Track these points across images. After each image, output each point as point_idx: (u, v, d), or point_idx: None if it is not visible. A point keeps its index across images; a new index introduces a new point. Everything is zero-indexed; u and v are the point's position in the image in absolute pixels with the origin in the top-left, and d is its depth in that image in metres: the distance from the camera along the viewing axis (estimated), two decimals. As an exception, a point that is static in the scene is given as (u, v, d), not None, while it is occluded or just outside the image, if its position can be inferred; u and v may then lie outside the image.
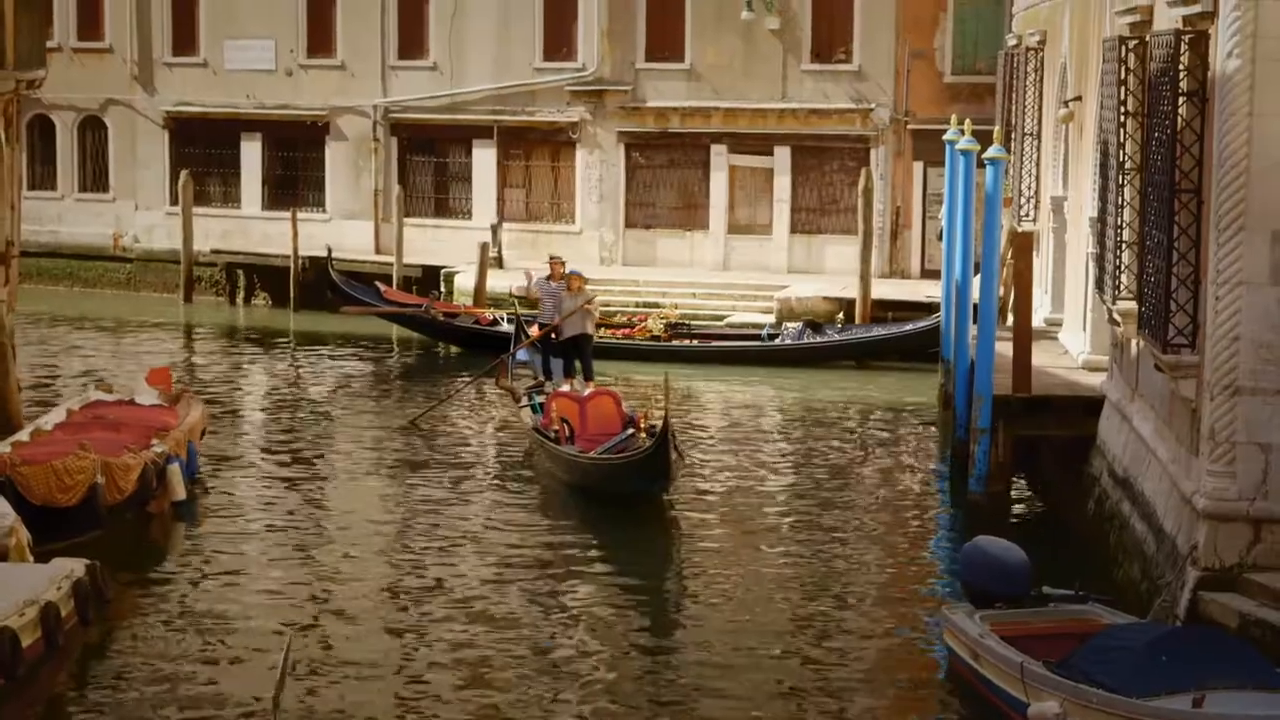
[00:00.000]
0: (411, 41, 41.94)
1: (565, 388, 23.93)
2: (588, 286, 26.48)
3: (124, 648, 15.49)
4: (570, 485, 21.59)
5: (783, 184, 39.32)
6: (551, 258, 27.64)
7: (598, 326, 27.64)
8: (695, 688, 14.76)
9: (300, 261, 40.15)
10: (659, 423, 19.97)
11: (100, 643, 15.58)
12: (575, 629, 16.35)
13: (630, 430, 21.20)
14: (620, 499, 20.51)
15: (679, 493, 21.17)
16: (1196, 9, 14.30)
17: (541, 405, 23.52)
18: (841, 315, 34.32)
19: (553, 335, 25.68)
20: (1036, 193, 27.55)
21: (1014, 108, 29.55)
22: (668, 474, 20.02)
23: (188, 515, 20.39)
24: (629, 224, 40.41)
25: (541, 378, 25.84)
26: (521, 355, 26.84)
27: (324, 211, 42.80)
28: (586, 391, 23.53)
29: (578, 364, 25.55)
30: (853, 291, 34.77)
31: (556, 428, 22.12)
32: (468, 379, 28.66)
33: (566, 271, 26.25)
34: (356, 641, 15.74)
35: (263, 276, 41.91)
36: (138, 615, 16.49)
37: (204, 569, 18.35)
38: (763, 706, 14.20)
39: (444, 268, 39.21)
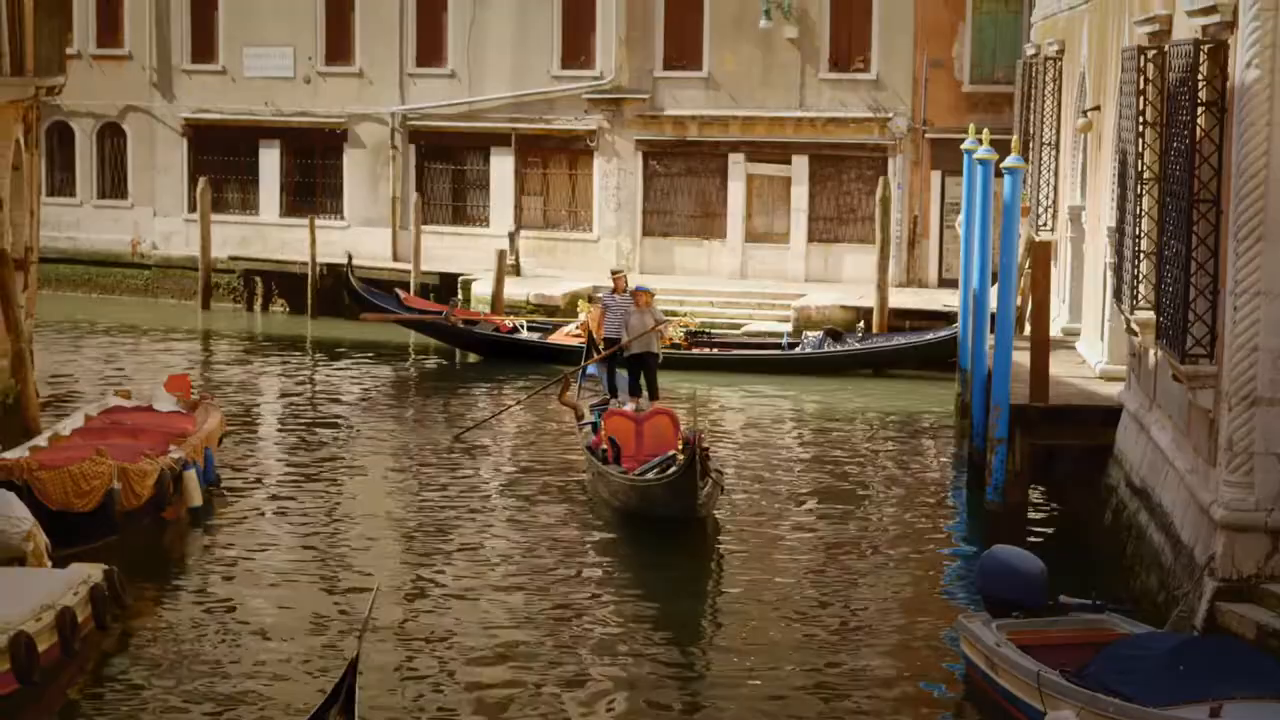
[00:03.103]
0: (430, 49, 41.99)
1: (629, 406, 23.12)
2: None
3: (140, 653, 15.51)
4: (613, 507, 21.05)
5: (800, 193, 39.31)
6: (614, 272, 27.29)
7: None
8: (712, 692, 14.79)
9: (318, 268, 40.22)
10: (703, 444, 19.75)
11: (117, 648, 15.60)
12: (595, 635, 16.35)
13: (673, 452, 20.04)
14: (655, 521, 19.92)
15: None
16: (1216, 19, 14.28)
17: (596, 424, 22.76)
18: (861, 324, 34.30)
19: (620, 350, 25.33)
20: (1054, 202, 27.51)
21: (1032, 117, 29.53)
22: (693, 500, 19.35)
23: (204, 522, 20.41)
24: (646, 232, 40.41)
25: (608, 395, 25.40)
26: (592, 370, 26.54)
27: (342, 219, 42.85)
28: (646, 410, 22.76)
29: (643, 382, 25.03)
30: (870, 300, 34.75)
31: (605, 447, 21.58)
32: (527, 394, 27.93)
33: (629, 286, 25.84)
34: (372, 648, 15.72)
35: (281, 283, 41.97)
36: (154, 621, 16.51)
37: (220, 575, 18.37)
38: (778, 713, 14.18)
39: (461, 275, 39.23)
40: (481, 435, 26.07)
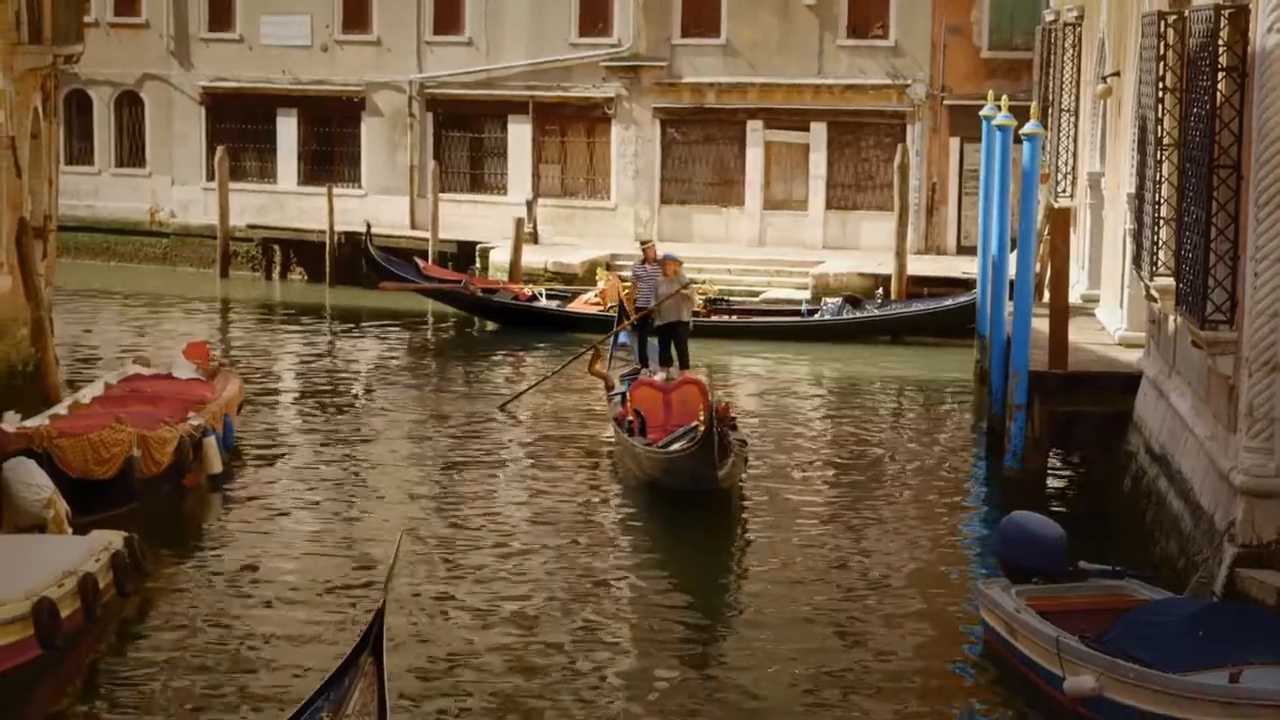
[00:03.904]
0: (447, 17, 41.94)
1: (659, 376, 22.82)
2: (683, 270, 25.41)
3: (162, 619, 15.57)
4: (638, 478, 20.92)
5: (818, 160, 39.27)
6: (643, 242, 27.11)
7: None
8: (730, 655, 14.86)
9: (336, 237, 40.25)
10: (730, 416, 19.60)
11: (138, 614, 15.67)
12: (614, 604, 16.40)
13: (696, 423, 19.52)
14: (677, 493, 19.68)
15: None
16: (1236, -17, 14.22)
17: (625, 395, 22.47)
18: (881, 291, 34.28)
19: (650, 319, 25.20)
20: (1074, 169, 27.44)
21: (1051, 83, 29.43)
22: (713, 472, 18.97)
23: (223, 488, 20.46)
24: (664, 200, 40.39)
25: (638, 364, 25.21)
26: (623, 338, 26.40)
27: (359, 187, 42.87)
28: (674, 380, 22.43)
29: (674, 352, 24.77)
30: (888, 267, 34.73)
31: (630, 418, 21.42)
32: (561, 364, 27.55)
33: (660, 255, 25.73)
34: (393, 614, 15.76)
35: (299, 252, 42.02)
36: (175, 587, 16.57)
37: (240, 541, 18.43)
38: (798, 678, 14.21)
39: (479, 243, 39.24)
40: (516, 404, 25.94)
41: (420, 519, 19.45)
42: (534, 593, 16.62)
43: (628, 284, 27.80)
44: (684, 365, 24.16)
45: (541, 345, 31.49)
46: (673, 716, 13.41)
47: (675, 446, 19.86)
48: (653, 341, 25.24)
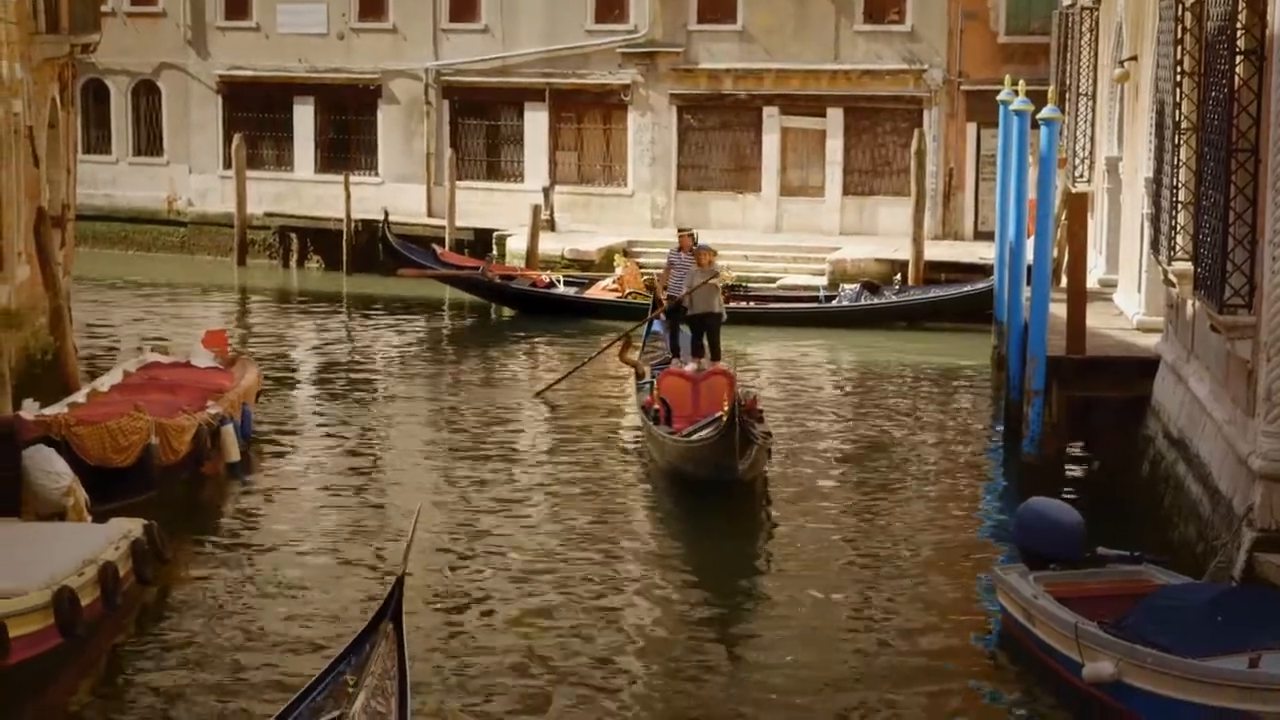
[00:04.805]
0: (463, 5, 41.97)
1: (690, 367, 22.61)
2: (718, 261, 25.11)
3: (181, 606, 15.59)
4: (661, 467, 20.85)
5: (835, 146, 39.27)
6: (680, 230, 26.79)
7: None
8: (748, 638, 14.89)
9: (353, 225, 40.29)
10: (757, 407, 19.50)
11: (158, 602, 15.69)
12: (633, 586, 16.41)
13: (720, 414, 19.37)
14: (698, 482, 19.63)
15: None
16: (1255, -34, 14.17)
17: (653, 383, 22.28)
18: (898, 276, 34.26)
19: (683, 308, 24.99)
20: (1091, 153, 27.40)
21: (1069, 68, 29.40)
22: (732, 462, 18.83)
23: (242, 477, 20.49)
24: (681, 186, 40.41)
25: (670, 354, 24.87)
26: (657, 327, 26.17)
27: (376, 175, 42.93)
28: (704, 371, 22.23)
29: (706, 342, 24.31)
30: (905, 253, 34.72)
31: (657, 406, 21.26)
32: (594, 352, 27.30)
33: (696, 244, 25.56)
34: (409, 602, 15.78)
35: (316, 240, 42.09)
36: (195, 575, 16.60)
37: (258, 529, 18.46)
38: (813, 665, 14.21)
39: (496, 231, 39.28)
40: (553, 391, 25.88)
41: (439, 502, 19.44)
42: (550, 574, 16.61)
43: (649, 272, 27.60)
44: (715, 357, 23.94)
45: (560, 332, 31.51)
46: (690, 698, 13.41)
47: (698, 435, 19.79)
48: (685, 332, 24.98)
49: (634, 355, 24.15)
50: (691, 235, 25.57)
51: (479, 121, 42.43)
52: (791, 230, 39.11)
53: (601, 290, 33.71)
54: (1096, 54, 27.25)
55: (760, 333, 31.18)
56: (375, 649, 11.53)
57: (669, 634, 14.99)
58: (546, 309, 33.59)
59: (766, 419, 21.11)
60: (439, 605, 15.62)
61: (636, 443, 22.52)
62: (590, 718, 13.05)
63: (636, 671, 14.07)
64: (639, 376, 23.57)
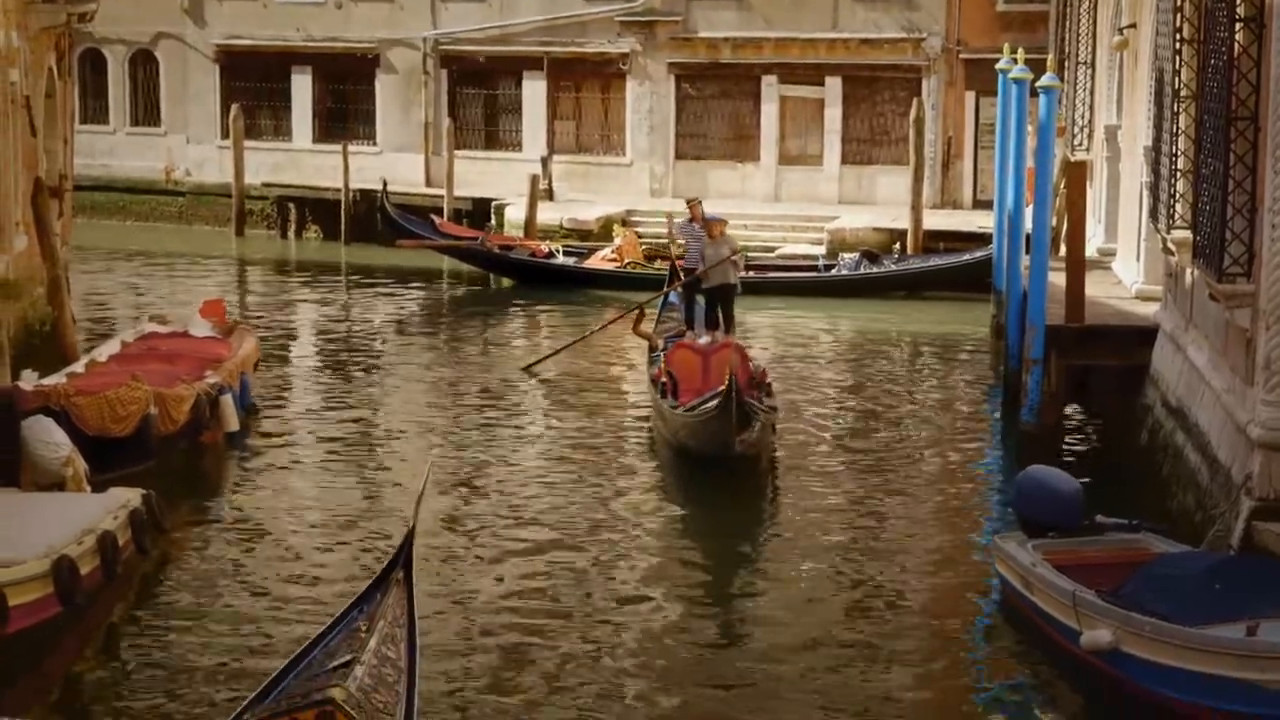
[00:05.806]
0: (461, -27, 41.86)
1: (704, 339, 22.28)
2: (729, 230, 24.88)
3: (181, 577, 15.61)
4: (666, 440, 20.59)
5: (834, 114, 39.21)
6: (689, 200, 26.51)
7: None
8: (746, 609, 14.92)
9: (351, 194, 40.25)
10: (766, 381, 19.46)
11: (157, 571, 15.71)
12: (635, 557, 16.42)
13: (724, 388, 18.99)
14: (698, 457, 19.43)
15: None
16: (1254, -67, 14.13)
17: (663, 355, 21.98)
18: (897, 246, 34.24)
19: (700, 280, 24.46)
20: (1090, 121, 27.36)
21: (1068, 36, 29.35)
22: (729, 438, 18.60)
23: (241, 446, 20.50)
24: (679, 156, 40.35)
25: (684, 325, 24.56)
26: (673, 298, 25.85)
27: (374, 144, 42.86)
28: (715, 343, 21.87)
29: (719, 314, 24.25)
30: (904, 222, 34.69)
31: (664, 379, 20.99)
32: (600, 324, 27.19)
33: (705, 214, 25.45)
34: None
35: (314, 210, 42.04)
36: (194, 545, 16.62)
37: (257, 499, 18.47)
38: (812, 635, 14.22)
39: (494, 200, 39.24)
40: (543, 365, 25.75)
41: (439, 466, 19.40)
42: (550, 542, 16.62)
43: (648, 242, 27.51)
44: (728, 329, 23.78)
45: (559, 302, 31.49)
46: (688, 668, 13.43)
47: (700, 409, 19.58)
48: (700, 303, 24.79)
49: (647, 327, 23.98)
50: (699, 203, 25.54)
51: (477, 91, 42.35)
52: (790, 199, 39.07)
53: (600, 260, 33.69)
54: (1095, 21, 27.19)
55: (759, 302, 31.11)
56: (386, 597, 11.77)
57: (666, 607, 14.97)
58: (545, 279, 33.56)
59: (774, 393, 20.96)
60: (441, 568, 15.62)
61: (645, 416, 22.44)
62: (588, 679, 13.08)
63: (633, 647, 14.06)
64: (652, 349, 23.39)
